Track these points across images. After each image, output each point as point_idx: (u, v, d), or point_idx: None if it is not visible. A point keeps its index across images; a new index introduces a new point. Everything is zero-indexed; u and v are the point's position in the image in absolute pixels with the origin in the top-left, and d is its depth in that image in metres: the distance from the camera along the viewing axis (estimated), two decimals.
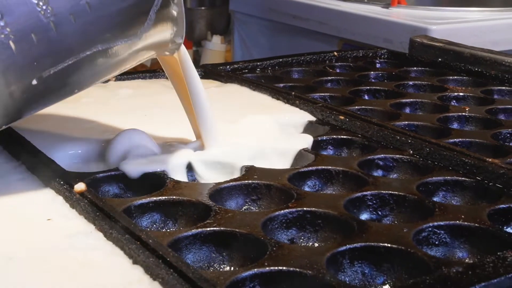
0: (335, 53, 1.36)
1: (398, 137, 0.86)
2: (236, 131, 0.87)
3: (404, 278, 0.59)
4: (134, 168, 0.75)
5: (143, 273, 0.55)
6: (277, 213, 0.67)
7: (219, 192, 0.72)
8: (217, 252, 0.63)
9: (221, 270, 0.62)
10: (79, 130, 0.86)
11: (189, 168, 0.78)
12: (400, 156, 0.82)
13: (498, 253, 0.58)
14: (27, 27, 0.61)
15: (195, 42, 3.06)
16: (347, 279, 0.60)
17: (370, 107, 1.03)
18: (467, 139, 0.90)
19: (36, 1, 0.61)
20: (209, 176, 0.77)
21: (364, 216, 0.71)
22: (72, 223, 0.64)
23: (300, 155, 0.84)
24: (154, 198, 0.69)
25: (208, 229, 0.63)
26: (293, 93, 1.03)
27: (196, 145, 0.81)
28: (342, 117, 0.93)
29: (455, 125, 0.99)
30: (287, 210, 0.67)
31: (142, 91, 1.08)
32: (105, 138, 0.83)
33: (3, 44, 0.60)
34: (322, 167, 0.79)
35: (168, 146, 0.81)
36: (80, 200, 0.66)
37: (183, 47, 0.77)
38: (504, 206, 0.70)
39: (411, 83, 1.19)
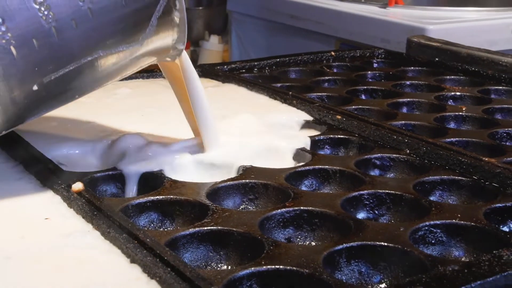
0: (332, 53, 1.36)
1: (395, 137, 0.86)
2: (233, 130, 0.87)
3: (400, 276, 0.59)
4: (131, 168, 0.75)
5: (140, 272, 0.55)
6: (274, 212, 0.67)
7: (217, 191, 0.72)
8: (214, 251, 0.63)
9: (218, 269, 0.62)
10: (77, 130, 0.87)
11: (187, 167, 0.78)
12: (397, 155, 0.83)
13: (494, 252, 0.58)
14: (29, 33, 0.61)
15: (192, 42, 3.06)
16: (344, 278, 0.60)
17: (367, 107, 1.04)
18: (464, 139, 0.90)
19: (37, 7, 0.61)
20: (206, 176, 0.77)
21: (361, 215, 0.71)
22: (70, 222, 0.64)
23: (297, 155, 0.84)
24: (152, 198, 0.70)
25: (205, 228, 0.63)
26: (290, 92, 1.03)
27: (194, 142, 0.81)
28: (339, 117, 0.93)
29: (451, 125, 1.00)
30: (284, 209, 0.68)
31: (140, 90, 1.08)
32: (103, 138, 0.83)
33: (5, 49, 0.60)
34: (319, 166, 0.79)
35: (166, 145, 0.81)
36: (77, 200, 0.66)
37: (184, 53, 0.76)
38: (500, 205, 0.71)
39: (408, 82, 1.19)
